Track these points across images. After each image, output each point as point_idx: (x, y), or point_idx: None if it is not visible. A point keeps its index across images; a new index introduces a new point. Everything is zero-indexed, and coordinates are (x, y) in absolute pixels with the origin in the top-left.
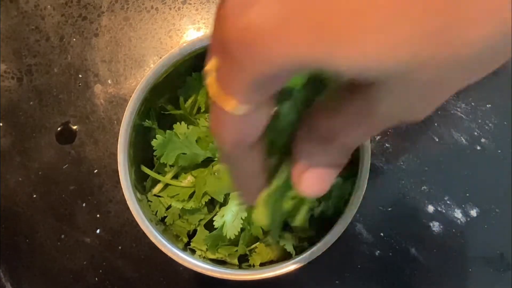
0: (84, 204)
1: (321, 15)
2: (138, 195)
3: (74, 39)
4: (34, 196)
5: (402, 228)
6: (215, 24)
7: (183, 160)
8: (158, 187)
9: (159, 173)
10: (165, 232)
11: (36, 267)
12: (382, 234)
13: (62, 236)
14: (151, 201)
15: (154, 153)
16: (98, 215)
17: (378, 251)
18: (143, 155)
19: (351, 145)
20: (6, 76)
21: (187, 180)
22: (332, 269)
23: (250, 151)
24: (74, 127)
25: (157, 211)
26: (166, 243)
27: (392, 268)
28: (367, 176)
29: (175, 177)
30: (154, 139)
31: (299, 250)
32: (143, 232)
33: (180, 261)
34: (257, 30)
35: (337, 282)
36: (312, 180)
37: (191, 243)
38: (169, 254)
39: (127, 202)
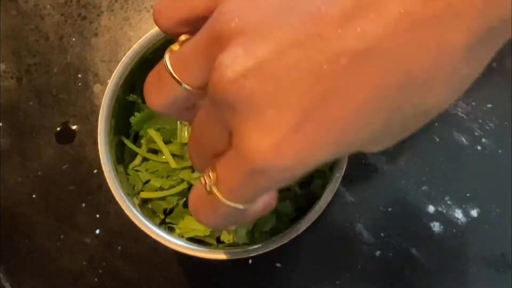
0: (83, 204)
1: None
2: (119, 168)
3: (74, 39)
4: (34, 196)
5: (402, 228)
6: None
7: (163, 134)
8: (137, 160)
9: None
10: (142, 207)
11: (35, 267)
12: (382, 234)
13: (62, 236)
14: (129, 175)
15: (132, 129)
16: (97, 215)
17: (378, 251)
18: (127, 129)
19: None
20: (5, 76)
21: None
22: (332, 269)
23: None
24: (74, 127)
25: (134, 185)
26: (142, 218)
27: (392, 268)
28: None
29: (155, 152)
30: (132, 117)
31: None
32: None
33: (157, 238)
34: (276, 164)
35: (337, 282)
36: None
37: (166, 219)
38: (146, 230)
39: (105, 175)
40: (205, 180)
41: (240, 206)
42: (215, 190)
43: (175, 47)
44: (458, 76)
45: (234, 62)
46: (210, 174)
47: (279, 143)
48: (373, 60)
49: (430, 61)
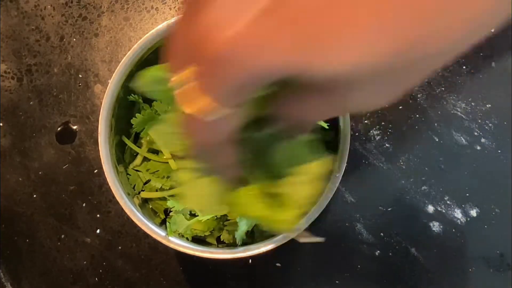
0: (84, 204)
1: (302, 30)
2: (120, 168)
3: (74, 39)
4: (34, 196)
5: (402, 228)
6: (189, 33)
7: None
8: (138, 160)
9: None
10: (142, 207)
11: (36, 267)
12: (382, 234)
13: (62, 236)
14: (130, 175)
15: (132, 130)
16: (98, 215)
17: (378, 251)
18: (128, 129)
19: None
20: (6, 76)
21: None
22: (332, 269)
23: (224, 147)
24: (74, 127)
25: (135, 185)
26: (142, 218)
27: (392, 268)
28: (347, 155)
29: (156, 153)
30: (134, 118)
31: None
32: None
33: (157, 238)
34: (249, 41)
35: (337, 282)
36: None
37: (167, 219)
38: (146, 230)
39: (105, 174)
40: (181, 76)
41: (221, 109)
42: (194, 84)
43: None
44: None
45: None
46: (187, 71)
47: (241, 29)
48: None
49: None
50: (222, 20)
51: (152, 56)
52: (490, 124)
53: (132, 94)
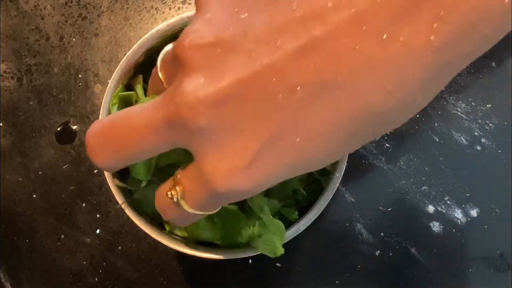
0: (84, 204)
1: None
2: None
3: (74, 39)
4: (34, 196)
5: (402, 228)
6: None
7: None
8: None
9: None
10: None
11: (36, 267)
12: (382, 234)
13: (62, 236)
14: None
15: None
16: (98, 215)
17: (378, 251)
18: None
19: None
20: (6, 76)
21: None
22: (332, 269)
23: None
24: (74, 127)
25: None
26: (142, 218)
27: (392, 268)
28: (346, 158)
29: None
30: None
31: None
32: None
33: (157, 238)
34: (245, 180)
35: (337, 282)
36: None
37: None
38: (146, 230)
39: (105, 174)
40: (171, 193)
41: (207, 213)
42: (182, 202)
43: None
44: (413, 105)
45: (195, 90)
46: (176, 188)
47: (238, 171)
48: (328, 94)
49: (385, 95)
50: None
51: (152, 56)
52: (490, 124)
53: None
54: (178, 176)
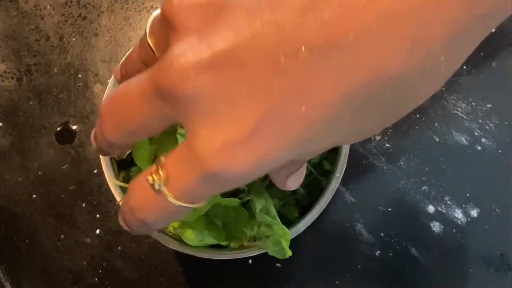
0: (84, 204)
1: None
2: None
3: (74, 39)
4: (34, 196)
5: (402, 228)
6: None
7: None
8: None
9: None
10: None
11: (36, 267)
12: (382, 234)
13: (62, 236)
14: (131, 175)
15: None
16: (97, 215)
17: (378, 251)
18: None
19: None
20: (5, 76)
21: None
22: (332, 269)
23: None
24: (74, 127)
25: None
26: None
27: (392, 268)
28: (347, 155)
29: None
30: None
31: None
32: None
33: (157, 238)
34: (230, 172)
35: (337, 282)
36: (295, 179)
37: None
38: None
39: (105, 174)
40: (152, 178)
41: (190, 206)
42: (165, 190)
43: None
44: (435, 71)
45: (185, 52)
46: (159, 171)
47: (235, 146)
48: (337, 55)
49: (403, 56)
50: (220, 153)
51: None
52: (490, 124)
53: None
54: (162, 159)
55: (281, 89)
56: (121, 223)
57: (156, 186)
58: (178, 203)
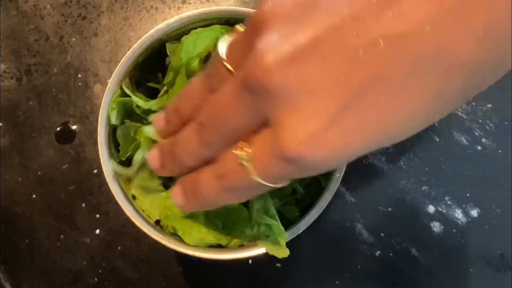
0: (83, 204)
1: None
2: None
3: (74, 39)
4: (34, 196)
5: (403, 228)
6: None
7: None
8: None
9: None
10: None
11: (35, 267)
12: (382, 234)
13: (62, 236)
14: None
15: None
16: (97, 215)
17: (379, 251)
18: None
19: None
20: (5, 76)
21: None
22: (332, 269)
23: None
24: (74, 127)
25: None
26: (142, 218)
27: (392, 268)
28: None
29: None
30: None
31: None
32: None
33: (157, 238)
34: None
35: (337, 282)
36: None
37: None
38: (145, 230)
39: (105, 174)
40: (239, 154)
41: (268, 184)
42: (248, 165)
43: (229, 37)
44: (505, 57)
45: (269, 48)
46: (245, 148)
47: (316, 134)
48: (413, 45)
49: (475, 43)
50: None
51: (152, 56)
52: (491, 124)
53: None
54: (251, 138)
55: (359, 81)
56: (179, 195)
57: (243, 162)
58: (257, 178)
